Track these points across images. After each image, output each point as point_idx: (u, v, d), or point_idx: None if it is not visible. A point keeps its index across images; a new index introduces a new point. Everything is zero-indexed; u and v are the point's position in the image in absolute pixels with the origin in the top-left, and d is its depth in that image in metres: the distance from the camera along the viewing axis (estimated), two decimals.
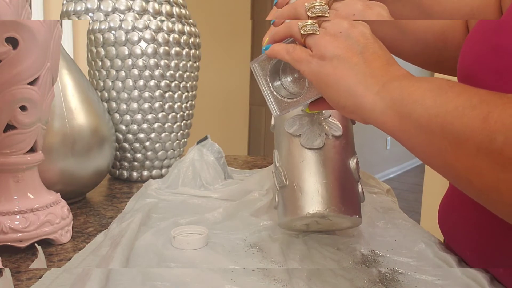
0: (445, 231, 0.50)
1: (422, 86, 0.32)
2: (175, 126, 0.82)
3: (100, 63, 0.77)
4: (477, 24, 0.44)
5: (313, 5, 0.37)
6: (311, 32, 0.37)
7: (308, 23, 0.37)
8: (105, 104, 0.78)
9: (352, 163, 0.48)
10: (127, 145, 0.79)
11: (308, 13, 0.38)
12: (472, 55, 0.42)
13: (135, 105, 0.77)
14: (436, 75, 2.15)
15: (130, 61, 0.75)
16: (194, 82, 0.85)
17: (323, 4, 0.38)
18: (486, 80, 0.39)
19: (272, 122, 0.53)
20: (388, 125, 0.33)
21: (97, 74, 0.78)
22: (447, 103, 0.29)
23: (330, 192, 0.45)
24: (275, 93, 0.42)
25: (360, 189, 0.48)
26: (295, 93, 0.42)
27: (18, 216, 0.46)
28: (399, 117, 0.32)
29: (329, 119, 0.49)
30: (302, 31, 0.37)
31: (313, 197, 0.45)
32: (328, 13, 0.37)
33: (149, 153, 0.80)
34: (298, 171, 0.46)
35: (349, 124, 0.51)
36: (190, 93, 0.84)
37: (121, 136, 0.79)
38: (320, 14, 0.37)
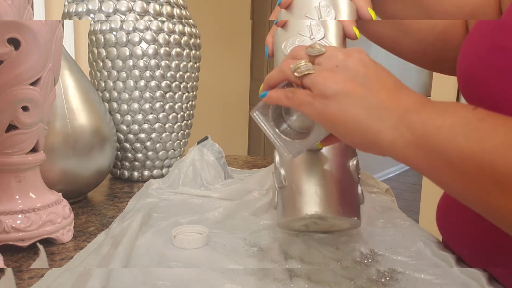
0: (443, 230, 0.51)
1: (447, 120, 0.29)
2: (175, 126, 0.82)
3: (101, 64, 0.77)
4: (476, 24, 0.44)
5: (298, 65, 0.36)
6: (306, 72, 0.35)
7: (302, 63, 0.35)
8: (106, 104, 0.79)
9: (352, 164, 0.48)
10: (128, 145, 0.80)
11: (295, 73, 0.36)
12: (472, 55, 0.42)
13: (136, 105, 0.77)
14: (435, 74, 2.14)
15: (131, 62, 0.75)
16: (194, 83, 0.85)
17: (307, 62, 0.36)
18: (488, 80, 0.39)
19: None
20: (413, 161, 0.31)
21: (99, 75, 0.79)
22: (482, 141, 0.27)
23: (328, 193, 0.45)
24: (284, 137, 0.41)
25: (359, 191, 0.48)
26: (305, 129, 0.41)
27: (20, 216, 0.47)
28: (426, 154, 0.30)
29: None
30: (296, 74, 0.36)
31: (312, 199, 0.44)
32: (313, 69, 0.36)
33: (150, 153, 0.80)
34: (297, 172, 0.46)
35: None
36: (191, 93, 0.85)
37: (122, 136, 0.79)
38: (306, 73, 0.35)
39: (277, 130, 0.41)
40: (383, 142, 0.32)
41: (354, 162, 0.48)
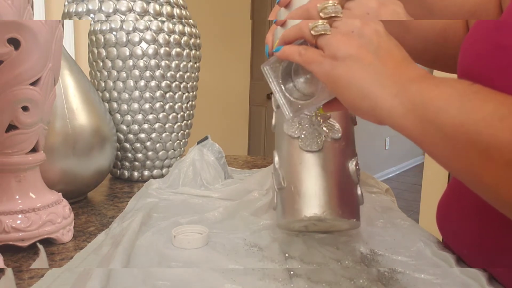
0: (443, 230, 0.51)
1: (444, 91, 0.30)
2: (175, 126, 0.82)
3: (101, 64, 0.77)
4: (476, 23, 0.44)
5: (326, 5, 0.36)
6: (323, 32, 0.36)
7: (319, 23, 0.36)
8: (106, 104, 0.79)
9: (352, 165, 0.48)
10: (128, 145, 0.80)
11: (320, 14, 0.36)
12: (473, 53, 0.42)
13: (136, 105, 0.77)
14: (435, 72, 2.15)
15: (131, 62, 0.75)
16: (194, 83, 0.85)
17: (335, 4, 0.36)
18: (489, 79, 0.39)
19: (273, 122, 0.53)
20: (408, 129, 0.32)
21: (99, 75, 0.79)
22: (473, 112, 0.28)
23: (327, 195, 0.45)
24: (288, 95, 0.41)
25: (359, 192, 0.48)
26: (308, 94, 0.41)
27: (20, 216, 0.47)
28: (421, 122, 0.31)
29: (328, 121, 0.48)
30: (313, 32, 0.36)
31: (311, 200, 0.44)
32: (342, 13, 0.36)
33: (150, 153, 0.80)
34: (296, 173, 0.46)
35: (349, 126, 0.50)
36: (191, 93, 0.85)
37: (122, 136, 0.79)
38: (333, 15, 0.36)
39: (283, 87, 0.42)
40: (382, 108, 0.33)
41: (354, 163, 0.48)
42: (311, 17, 0.38)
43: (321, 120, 0.49)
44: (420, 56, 0.57)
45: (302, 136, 0.48)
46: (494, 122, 0.28)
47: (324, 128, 0.48)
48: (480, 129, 0.28)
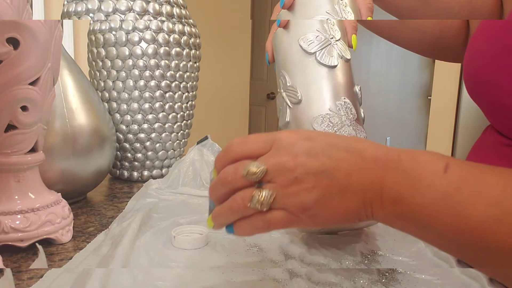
0: None
1: (425, 196, 0.28)
2: (175, 126, 0.82)
3: (100, 64, 0.77)
4: (482, 24, 0.44)
5: (257, 199, 0.31)
6: (271, 200, 0.31)
7: (258, 195, 0.31)
8: (106, 104, 0.79)
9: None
10: (127, 145, 0.79)
11: (260, 208, 0.31)
12: (480, 55, 0.42)
13: (135, 105, 0.77)
14: (436, 74, 2.14)
15: (130, 62, 0.75)
16: (194, 82, 0.85)
17: (260, 190, 0.31)
18: (496, 80, 0.39)
19: (287, 119, 0.49)
20: (407, 231, 0.31)
21: (98, 75, 0.79)
22: (467, 217, 0.27)
23: None
24: None
25: None
26: None
27: (19, 216, 0.46)
28: (416, 227, 0.30)
29: (354, 122, 0.47)
30: (263, 208, 0.31)
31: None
32: (273, 191, 0.31)
33: (149, 153, 0.80)
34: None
35: (362, 132, 0.50)
36: (191, 93, 0.84)
37: (121, 136, 0.79)
38: (271, 201, 0.31)
39: None
40: (376, 218, 0.31)
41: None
42: (246, 215, 0.33)
43: (349, 122, 0.47)
44: (418, 46, 0.57)
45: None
46: (492, 227, 0.26)
47: (353, 128, 0.47)
48: (481, 235, 0.27)
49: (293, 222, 0.32)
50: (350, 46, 0.49)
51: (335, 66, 0.47)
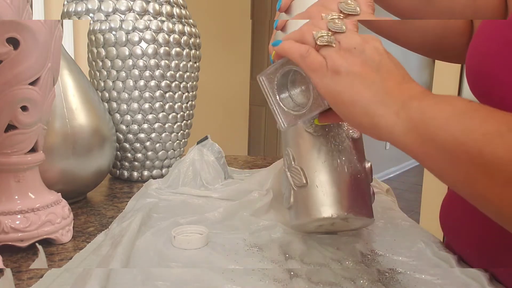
0: (446, 229, 0.50)
1: (444, 109, 0.31)
2: (175, 126, 0.82)
3: (100, 64, 0.77)
4: (484, 22, 0.43)
5: (322, 35, 0.36)
6: (327, 44, 0.36)
7: (324, 34, 0.36)
8: (106, 104, 0.79)
9: (368, 164, 0.48)
10: (127, 145, 0.79)
11: (317, 41, 0.36)
12: (482, 51, 0.42)
13: (135, 105, 0.77)
14: (436, 74, 2.14)
15: (130, 62, 0.75)
16: (194, 82, 0.85)
17: (330, 34, 0.37)
18: (498, 76, 0.39)
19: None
20: (409, 147, 0.32)
21: (98, 75, 0.79)
22: (473, 130, 0.29)
23: (351, 194, 0.45)
24: (283, 106, 0.41)
25: (371, 191, 0.48)
26: (303, 105, 0.41)
27: (19, 216, 0.46)
28: (422, 140, 0.31)
29: None
30: (318, 42, 0.36)
31: (336, 199, 0.44)
32: (334, 44, 0.36)
33: (149, 153, 0.80)
34: (320, 172, 0.46)
35: None
36: (191, 93, 0.84)
37: (121, 136, 0.79)
38: (327, 44, 0.36)
39: (278, 98, 0.42)
40: (383, 126, 0.33)
41: (369, 164, 0.48)
42: (306, 42, 0.38)
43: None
44: (419, 47, 0.57)
45: (325, 134, 0.47)
46: (495, 140, 0.28)
47: (346, 128, 0.48)
48: (481, 147, 0.28)
49: (320, 72, 0.36)
50: None
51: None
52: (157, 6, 0.76)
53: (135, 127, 0.78)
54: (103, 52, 0.76)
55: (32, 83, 0.46)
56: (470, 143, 0.28)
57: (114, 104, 0.78)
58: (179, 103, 0.81)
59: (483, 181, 0.28)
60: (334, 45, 0.36)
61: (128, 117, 0.78)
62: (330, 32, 0.36)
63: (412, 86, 0.34)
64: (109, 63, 0.76)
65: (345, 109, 0.35)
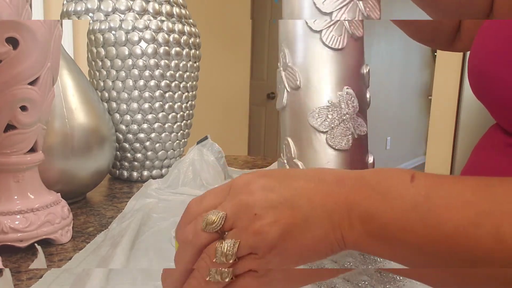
0: None
1: (394, 207, 0.27)
2: (175, 126, 0.82)
3: (100, 63, 0.77)
4: (487, 22, 0.43)
5: (223, 254, 0.28)
6: (236, 249, 0.28)
7: (222, 249, 0.28)
8: (105, 104, 0.78)
9: (370, 160, 0.46)
10: (127, 145, 0.79)
11: (230, 261, 0.29)
12: (484, 50, 0.41)
13: (135, 105, 0.77)
14: (436, 74, 2.12)
15: (130, 61, 0.75)
16: (194, 82, 0.85)
17: (221, 242, 0.29)
18: (501, 76, 0.38)
19: (285, 102, 0.46)
20: (379, 253, 0.29)
21: (97, 74, 0.78)
22: (440, 224, 0.25)
23: None
24: None
25: None
26: None
27: (18, 216, 0.46)
28: (390, 245, 0.27)
29: (355, 115, 0.44)
30: (232, 260, 0.28)
31: None
32: (235, 238, 0.29)
33: (149, 153, 0.80)
34: None
35: (367, 119, 0.47)
36: (190, 93, 0.84)
37: (121, 136, 0.79)
38: (236, 250, 0.29)
39: None
40: (348, 244, 0.29)
41: (372, 158, 0.47)
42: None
43: (348, 115, 0.44)
44: (415, 33, 0.57)
45: (331, 131, 0.43)
46: (469, 231, 0.24)
47: (353, 124, 0.44)
48: (458, 241, 0.25)
49: (263, 267, 0.29)
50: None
51: (342, 49, 0.42)
52: (156, 6, 0.76)
53: (135, 127, 0.78)
54: (102, 51, 0.76)
55: (32, 83, 0.46)
56: (445, 240, 0.25)
57: (114, 104, 0.78)
58: (179, 103, 0.81)
59: (466, 267, 0.25)
60: (238, 239, 0.28)
61: (128, 117, 0.78)
62: (217, 242, 0.29)
63: (330, 184, 0.29)
64: (108, 63, 0.76)
65: (303, 260, 0.30)
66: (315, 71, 0.43)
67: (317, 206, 0.28)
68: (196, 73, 0.85)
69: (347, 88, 0.43)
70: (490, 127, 0.48)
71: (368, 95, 0.47)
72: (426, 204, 0.26)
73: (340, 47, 0.42)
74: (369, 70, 0.46)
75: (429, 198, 0.26)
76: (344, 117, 0.44)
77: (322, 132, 0.43)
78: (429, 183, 0.27)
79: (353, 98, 0.44)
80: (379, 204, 0.27)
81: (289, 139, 0.46)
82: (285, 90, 0.45)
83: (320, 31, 0.42)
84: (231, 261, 0.28)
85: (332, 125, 0.43)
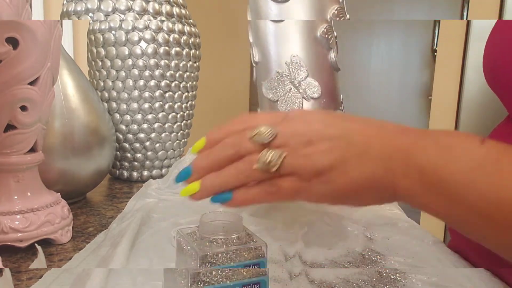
0: (452, 229, 0.50)
1: (459, 163, 0.26)
2: (175, 126, 0.82)
3: (100, 63, 0.77)
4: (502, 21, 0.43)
5: (267, 161, 0.28)
6: (280, 161, 0.28)
7: (268, 157, 0.28)
8: (105, 104, 0.78)
9: None
10: (127, 145, 0.79)
11: (272, 170, 0.29)
12: (501, 43, 0.40)
13: (135, 105, 0.77)
14: (436, 74, 2.12)
15: (130, 61, 0.75)
16: (194, 82, 0.85)
17: (269, 152, 0.29)
18: None
19: (254, 76, 0.46)
20: (434, 209, 0.28)
21: (97, 74, 0.78)
22: (505, 187, 0.24)
23: None
24: None
25: None
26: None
27: (18, 216, 0.46)
28: (446, 201, 0.27)
29: (307, 79, 0.43)
30: (273, 169, 0.28)
31: None
32: (284, 153, 0.29)
33: (149, 153, 0.80)
34: None
35: (330, 78, 0.45)
36: (190, 93, 0.84)
37: (121, 136, 0.79)
38: (280, 161, 0.29)
39: None
40: (399, 193, 0.28)
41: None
42: (254, 179, 0.30)
43: (297, 80, 0.43)
44: None
45: (281, 99, 0.43)
46: None
47: (303, 88, 0.44)
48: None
49: (304, 189, 0.28)
50: None
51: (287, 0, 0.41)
52: (156, 6, 0.76)
53: (135, 127, 0.78)
54: (102, 51, 0.76)
55: (32, 83, 0.46)
56: (509, 203, 0.24)
57: (114, 104, 0.78)
58: (179, 103, 0.81)
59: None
60: (285, 154, 0.28)
61: (128, 117, 0.78)
62: (268, 150, 0.29)
63: (396, 133, 0.28)
64: (108, 63, 0.76)
65: (351, 198, 0.29)
66: (268, 45, 0.43)
67: (374, 148, 0.28)
68: (196, 73, 0.85)
69: (293, 57, 0.43)
70: (500, 122, 0.47)
71: (332, 55, 0.45)
72: (495, 166, 0.25)
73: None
74: (327, 28, 0.44)
75: (499, 161, 0.26)
76: (292, 84, 0.43)
77: (274, 101, 0.44)
78: (501, 149, 0.26)
79: (300, 64, 0.43)
80: (442, 157, 0.26)
81: (258, 111, 0.47)
82: (253, 66, 0.46)
83: None
84: (272, 170, 0.28)
85: (281, 93, 0.44)
